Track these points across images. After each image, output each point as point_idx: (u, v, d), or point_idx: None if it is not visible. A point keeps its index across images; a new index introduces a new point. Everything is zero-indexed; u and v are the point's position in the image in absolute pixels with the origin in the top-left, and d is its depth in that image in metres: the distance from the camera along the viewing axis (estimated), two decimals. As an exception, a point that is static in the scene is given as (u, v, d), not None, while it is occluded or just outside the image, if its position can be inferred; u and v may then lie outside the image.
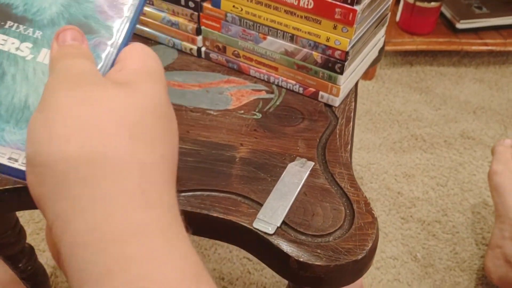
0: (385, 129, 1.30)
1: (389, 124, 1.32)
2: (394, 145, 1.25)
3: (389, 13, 0.67)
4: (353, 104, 0.63)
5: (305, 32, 0.58)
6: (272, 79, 0.65)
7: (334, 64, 0.58)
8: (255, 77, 0.66)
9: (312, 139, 0.58)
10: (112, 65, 0.30)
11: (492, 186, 0.90)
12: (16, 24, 0.31)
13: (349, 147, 0.57)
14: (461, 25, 1.50)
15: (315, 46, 0.59)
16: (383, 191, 1.13)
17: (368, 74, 1.47)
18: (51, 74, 0.27)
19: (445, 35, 1.50)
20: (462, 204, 1.11)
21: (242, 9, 0.61)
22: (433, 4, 1.42)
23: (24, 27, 0.31)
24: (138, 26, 0.71)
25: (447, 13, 1.54)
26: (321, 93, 0.62)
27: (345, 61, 0.58)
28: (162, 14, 0.68)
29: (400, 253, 1.00)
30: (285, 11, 0.58)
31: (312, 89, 0.62)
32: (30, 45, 0.30)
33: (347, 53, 0.57)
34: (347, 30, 0.55)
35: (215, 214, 0.48)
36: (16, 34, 0.31)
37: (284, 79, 0.64)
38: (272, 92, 0.64)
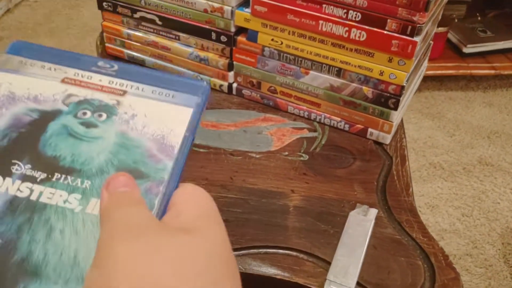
0: (401, 158, 1.26)
1: (405, 152, 1.27)
2: (413, 174, 1.21)
3: (432, 43, 0.63)
4: (404, 140, 0.58)
5: (355, 66, 0.53)
6: (313, 116, 0.60)
7: (388, 99, 0.54)
8: (294, 114, 0.61)
9: (368, 182, 0.52)
10: (165, 209, 0.27)
11: None
12: (63, 176, 0.29)
13: (411, 190, 0.52)
14: (468, 49, 1.48)
15: (366, 80, 0.54)
16: (408, 224, 1.08)
17: (377, 101, 1.44)
18: (105, 224, 0.24)
19: (452, 60, 1.48)
20: (490, 235, 1.06)
21: (282, 43, 0.56)
22: (440, 29, 1.40)
23: (72, 178, 0.29)
24: (160, 62, 0.66)
25: (453, 38, 1.53)
26: (370, 130, 0.57)
27: (400, 95, 0.53)
28: (190, 50, 0.63)
29: (434, 291, 0.95)
30: (332, 43, 0.53)
31: (360, 126, 0.58)
32: (78, 196, 0.28)
33: (402, 87, 0.52)
34: (405, 63, 0.51)
35: (278, 276, 0.42)
36: (64, 186, 0.29)
37: (328, 115, 0.59)
38: (315, 130, 0.59)
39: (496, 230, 1.08)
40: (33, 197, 0.28)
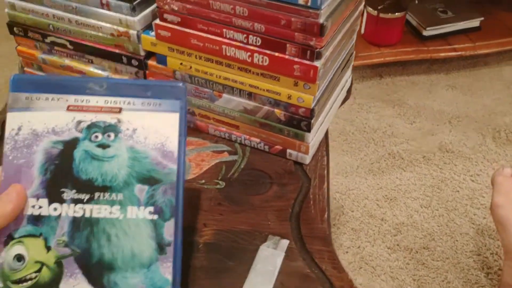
0: (361, 150, 1.24)
1: (365, 143, 1.26)
2: (372, 166, 1.20)
3: (354, 52, 0.61)
4: (325, 158, 0.57)
5: (264, 90, 0.51)
6: (234, 137, 0.58)
7: (300, 121, 0.52)
8: (215, 135, 0.59)
9: (283, 209, 0.51)
10: (182, 206, 0.38)
11: (496, 220, 0.82)
12: (101, 193, 0.37)
13: (326, 215, 0.51)
14: (427, 32, 1.46)
15: (276, 103, 0.52)
16: (366, 219, 1.07)
17: (338, 91, 1.42)
18: None
19: (412, 44, 1.46)
20: (448, 225, 1.06)
21: (191, 67, 0.54)
22: (397, 14, 1.38)
23: (108, 194, 0.37)
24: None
25: (413, 21, 1.51)
26: (288, 151, 0.56)
27: (311, 118, 0.51)
28: (104, 74, 0.61)
29: (390, 288, 0.95)
30: (238, 68, 0.51)
31: (279, 147, 0.56)
32: (118, 207, 0.37)
33: (312, 110, 0.50)
34: (310, 87, 0.49)
35: (177, 325, 0.41)
36: (105, 202, 0.37)
37: (247, 137, 0.57)
38: (235, 153, 0.57)
39: (454, 221, 1.08)
40: (87, 215, 0.37)
